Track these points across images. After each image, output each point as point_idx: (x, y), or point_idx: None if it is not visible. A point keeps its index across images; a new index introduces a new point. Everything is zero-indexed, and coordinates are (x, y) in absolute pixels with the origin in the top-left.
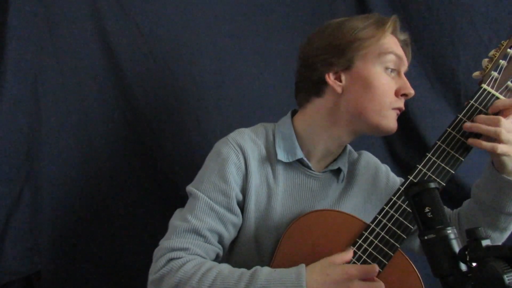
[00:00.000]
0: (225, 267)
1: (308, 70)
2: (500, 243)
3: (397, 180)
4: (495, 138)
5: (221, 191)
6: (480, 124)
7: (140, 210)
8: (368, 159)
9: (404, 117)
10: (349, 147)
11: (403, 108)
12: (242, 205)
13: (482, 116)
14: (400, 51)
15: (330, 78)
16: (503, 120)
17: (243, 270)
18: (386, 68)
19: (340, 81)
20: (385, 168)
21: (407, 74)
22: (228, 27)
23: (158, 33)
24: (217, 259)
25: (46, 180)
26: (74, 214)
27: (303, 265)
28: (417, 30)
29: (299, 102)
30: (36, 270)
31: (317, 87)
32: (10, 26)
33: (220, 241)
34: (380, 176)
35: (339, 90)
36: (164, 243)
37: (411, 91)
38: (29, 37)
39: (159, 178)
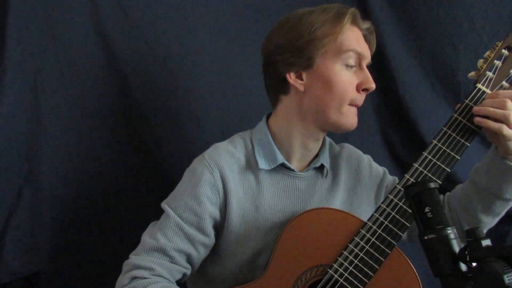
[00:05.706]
0: None
1: (271, 69)
2: (488, 228)
3: (380, 170)
4: (502, 121)
5: (192, 211)
6: (488, 107)
7: (139, 210)
8: (350, 151)
9: (404, 117)
10: (329, 140)
11: (360, 105)
12: (222, 223)
13: (489, 99)
14: (361, 45)
15: (291, 78)
16: (509, 103)
17: None
18: (347, 65)
19: (302, 79)
20: (367, 159)
21: (406, 73)
22: (228, 26)
23: (158, 33)
24: (184, 277)
25: (46, 180)
26: (74, 214)
27: None
28: (417, 30)
29: (271, 102)
30: (36, 270)
31: (282, 85)
32: (10, 26)
33: (189, 260)
34: (363, 167)
35: (301, 88)
36: (132, 258)
37: (372, 85)
38: (29, 37)
39: (159, 178)
